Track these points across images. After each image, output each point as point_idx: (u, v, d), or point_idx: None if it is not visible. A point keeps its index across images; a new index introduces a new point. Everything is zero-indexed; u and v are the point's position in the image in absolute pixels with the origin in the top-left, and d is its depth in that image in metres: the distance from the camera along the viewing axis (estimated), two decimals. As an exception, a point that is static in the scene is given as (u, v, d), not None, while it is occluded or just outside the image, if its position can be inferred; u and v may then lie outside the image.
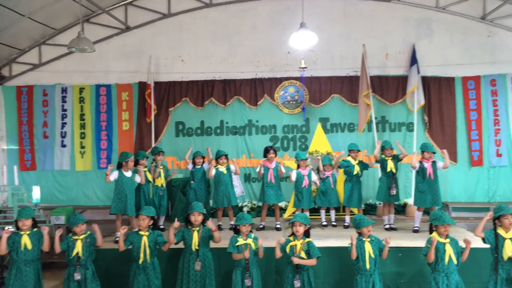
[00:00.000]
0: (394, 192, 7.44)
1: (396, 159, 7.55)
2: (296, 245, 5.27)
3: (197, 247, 5.50)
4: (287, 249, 5.29)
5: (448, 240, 5.08)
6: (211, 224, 5.60)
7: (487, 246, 5.31)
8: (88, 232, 5.60)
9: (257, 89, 9.44)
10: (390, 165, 7.48)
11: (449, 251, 5.00)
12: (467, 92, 9.19)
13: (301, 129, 9.44)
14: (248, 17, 9.44)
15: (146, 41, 9.49)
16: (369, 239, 5.30)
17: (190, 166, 7.95)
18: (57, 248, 5.47)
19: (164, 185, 7.82)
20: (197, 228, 5.57)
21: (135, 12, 9.47)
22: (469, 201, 9.12)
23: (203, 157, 8.02)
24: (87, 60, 9.37)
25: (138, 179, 7.20)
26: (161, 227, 7.76)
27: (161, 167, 7.86)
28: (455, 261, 5.01)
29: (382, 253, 5.29)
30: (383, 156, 7.64)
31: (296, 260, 5.18)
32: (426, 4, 9.24)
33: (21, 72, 9.57)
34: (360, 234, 5.38)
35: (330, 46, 9.25)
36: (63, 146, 9.49)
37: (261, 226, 7.67)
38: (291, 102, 9.46)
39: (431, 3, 9.23)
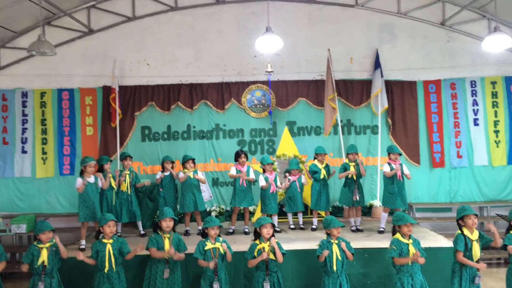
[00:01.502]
0: (357, 198, 7.58)
1: (358, 166, 7.69)
2: (264, 247, 5.31)
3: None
4: (255, 253, 5.30)
5: (411, 241, 5.20)
6: (172, 252, 5.42)
7: (449, 245, 5.47)
8: (54, 241, 5.45)
9: (224, 93, 9.41)
10: (352, 170, 7.63)
11: (412, 251, 5.11)
12: (429, 95, 9.45)
13: (268, 133, 9.48)
14: (214, 21, 9.41)
15: (110, 45, 9.30)
16: (337, 241, 5.38)
17: (159, 174, 7.83)
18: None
19: (129, 191, 7.69)
20: (168, 235, 5.52)
21: (98, 15, 9.26)
22: (432, 202, 9.36)
23: (172, 162, 7.95)
24: (49, 64, 9.11)
25: (100, 183, 7.08)
26: (142, 232, 7.68)
27: (128, 172, 7.74)
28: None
29: (347, 255, 5.36)
30: (346, 161, 7.80)
31: (273, 241, 5.25)
32: (388, 10, 9.45)
33: (-22, 76, 9.22)
34: (328, 235, 5.46)
35: (296, 50, 9.33)
36: (24, 152, 9.15)
37: (231, 231, 7.65)
38: (258, 106, 9.48)
39: (393, 8, 9.46)
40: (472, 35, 9.39)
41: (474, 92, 9.44)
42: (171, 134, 9.38)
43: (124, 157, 7.94)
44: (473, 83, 9.45)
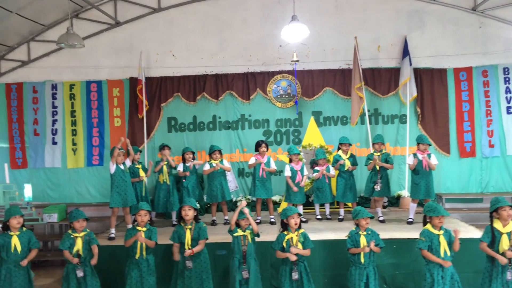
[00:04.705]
0: (378, 188, 7.47)
1: (385, 156, 7.56)
2: (292, 237, 5.29)
3: (189, 246, 5.47)
4: (284, 244, 5.29)
5: (442, 232, 5.09)
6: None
7: (480, 236, 5.32)
8: (88, 230, 5.57)
9: (249, 83, 9.38)
10: (376, 158, 7.50)
11: (443, 242, 5.02)
12: (459, 83, 9.20)
13: (294, 123, 9.41)
14: (239, 11, 9.36)
15: (136, 36, 9.39)
16: (365, 233, 5.32)
17: (180, 166, 7.87)
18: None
19: (168, 181, 7.78)
20: (190, 226, 5.54)
21: (124, 7, 9.34)
22: (462, 192, 9.15)
23: (193, 153, 7.98)
24: (77, 56, 9.26)
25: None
26: (174, 223, 7.74)
27: (165, 162, 7.82)
28: (448, 253, 5.03)
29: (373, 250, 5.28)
30: (372, 151, 7.68)
31: (293, 250, 5.19)
32: (418, -4, 9.23)
33: (10, 69, 9.42)
34: (357, 226, 5.40)
35: (322, 39, 9.21)
36: (54, 143, 9.38)
37: (258, 221, 7.64)
38: (283, 96, 9.42)
39: (422, -6, 9.22)
40: (506, 20, 9.08)
41: (507, 79, 9.14)
42: (197, 124, 9.43)
43: (162, 147, 8.03)
44: (506, 70, 9.15)
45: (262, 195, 7.61)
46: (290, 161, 7.65)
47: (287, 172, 7.55)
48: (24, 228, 5.57)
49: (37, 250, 5.56)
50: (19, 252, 5.38)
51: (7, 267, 5.37)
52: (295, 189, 7.46)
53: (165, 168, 7.80)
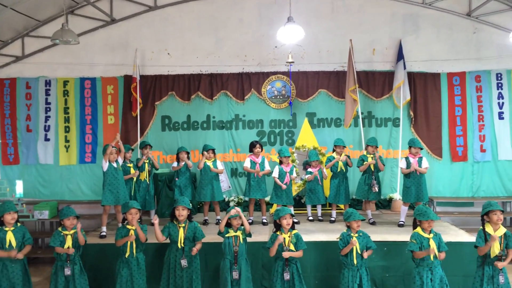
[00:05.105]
0: (376, 189, 7.51)
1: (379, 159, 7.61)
2: (284, 238, 5.30)
3: (183, 245, 5.47)
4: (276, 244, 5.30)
5: (431, 235, 5.12)
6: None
7: (470, 240, 5.36)
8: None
9: (244, 83, 9.38)
10: (370, 160, 7.54)
11: (433, 246, 5.05)
12: (452, 88, 9.26)
13: (288, 124, 9.43)
14: (235, 11, 9.36)
15: (131, 34, 9.35)
16: (357, 235, 5.34)
17: (174, 164, 7.88)
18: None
19: (148, 179, 7.79)
20: (183, 225, 5.54)
21: (120, 4, 9.30)
22: (453, 196, 9.21)
23: (188, 152, 7.98)
24: (72, 52, 9.21)
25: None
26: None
27: (147, 161, 7.83)
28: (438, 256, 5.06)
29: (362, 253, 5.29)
30: (365, 152, 7.72)
31: (286, 254, 5.20)
32: (413, 0, 9.26)
33: (3, 64, 9.34)
34: (349, 227, 5.42)
35: (317, 41, 9.23)
36: (47, 140, 9.32)
37: (250, 221, 7.64)
38: (278, 97, 9.43)
39: (418, -1, 9.28)
40: (500, 26, 9.13)
41: (500, 85, 9.21)
42: (190, 124, 9.41)
43: (144, 145, 8.04)
44: (499, 76, 9.22)
45: (257, 196, 7.62)
46: (281, 162, 7.65)
47: (275, 173, 7.56)
48: (18, 224, 5.54)
49: (30, 246, 5.55)
50: (14, 247, 5.37)
51: (3, 262, 5.35)
52: (284, 186, 7.46)
53: (146, 166, 7.81)
